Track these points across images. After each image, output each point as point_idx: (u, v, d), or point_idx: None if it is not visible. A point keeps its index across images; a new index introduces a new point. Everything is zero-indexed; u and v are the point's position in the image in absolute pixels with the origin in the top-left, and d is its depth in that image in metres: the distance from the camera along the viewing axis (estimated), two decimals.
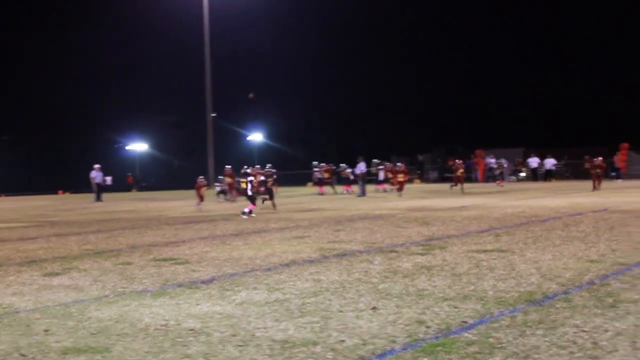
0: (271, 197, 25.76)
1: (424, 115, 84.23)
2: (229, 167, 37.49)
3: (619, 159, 46.57)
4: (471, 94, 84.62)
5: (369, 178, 39.93)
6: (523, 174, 52.63)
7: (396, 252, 12.16)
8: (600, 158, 34.17)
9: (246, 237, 15.63)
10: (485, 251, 11.77)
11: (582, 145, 55.61)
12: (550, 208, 21.52)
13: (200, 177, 32.32)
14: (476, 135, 74.03)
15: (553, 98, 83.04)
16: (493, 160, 49.88)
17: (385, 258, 11.42)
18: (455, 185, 36.34)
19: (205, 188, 31.62)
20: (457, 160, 37.85)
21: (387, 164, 43.13)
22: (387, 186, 39.76)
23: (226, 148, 70.15)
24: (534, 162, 51.34)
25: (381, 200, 30.00)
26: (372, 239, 14.51)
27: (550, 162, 50.49)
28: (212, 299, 8.43)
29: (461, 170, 36.54)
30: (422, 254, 11.71)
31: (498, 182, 43.01)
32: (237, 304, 8.06)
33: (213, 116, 55.46)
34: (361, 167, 36.92)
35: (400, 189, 33.27)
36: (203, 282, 9.69)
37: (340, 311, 7.49)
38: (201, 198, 30.04)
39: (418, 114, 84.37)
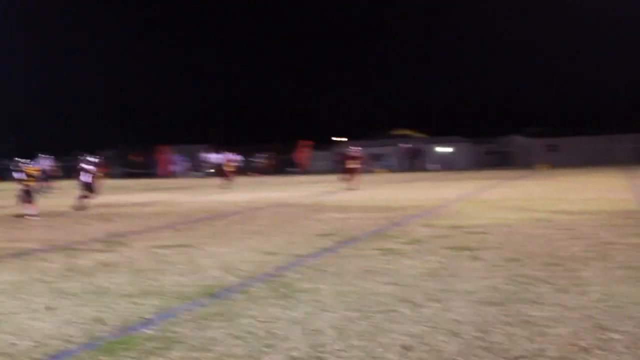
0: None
1: (105, 111, 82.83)
2: None
3: (299, 155, 49.14)
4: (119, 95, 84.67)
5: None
6: (211, 170, 53.66)
7: (76, 249, 11.78)
8: (359, 148, 30.87)
9: None
10: (166, 246, 11.79)
11: (263, 142, 57.92)
12: (232, 203, 22.10)
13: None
14: (156, 132, 74.24)
15: (235, 96, 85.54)
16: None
17: (64, 256, 11.02)
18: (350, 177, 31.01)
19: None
20: (350, 149, 33.30)
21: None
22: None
23: None
24: (215, 157, 52.51)
25: (60, 197, 28.84)
26: (51, 236, 13.94)
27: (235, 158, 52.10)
28: None
29: (355, 162, 31.14)
30: (102, 251, 11.45)
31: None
32: None
33: None
34: (46, 163, 35.76)
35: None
36: None
37: (13, 313, 7.10)
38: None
39: (103, 110, 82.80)
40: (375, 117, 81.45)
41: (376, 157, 56.40)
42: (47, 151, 39.92)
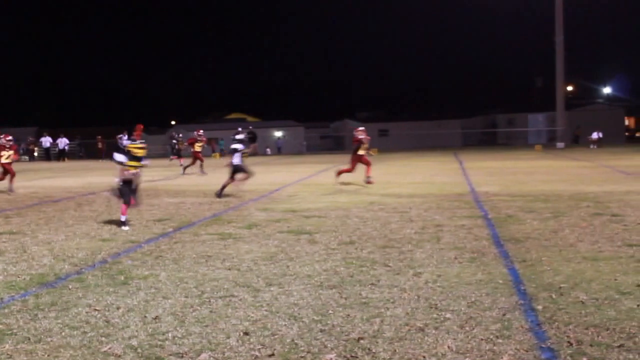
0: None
1: None
2: None
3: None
4: None
5: None
6: (36, 154, 51.61)
7: None
8: (362, 128, 21.06)
9: None
10: None
11: (95, 125, 56.31)
12: (63, 188, 21.36)
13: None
14: None
15: (64, 78, 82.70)
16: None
17: None
18: (193, 164, 28.62)
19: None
20: (198, 133, 29.91)
21: None
22: None
23: None
24: (46, 141, 50.61)
25: None
26: None
27: (63, 142, 50.26)
28: None
29: (200, 145, 28.49)
30: None
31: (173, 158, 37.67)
32: None
33: None
34: None
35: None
36: None
37: None
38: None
39: None
40: (209, 101, 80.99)
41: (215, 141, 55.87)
42: None
